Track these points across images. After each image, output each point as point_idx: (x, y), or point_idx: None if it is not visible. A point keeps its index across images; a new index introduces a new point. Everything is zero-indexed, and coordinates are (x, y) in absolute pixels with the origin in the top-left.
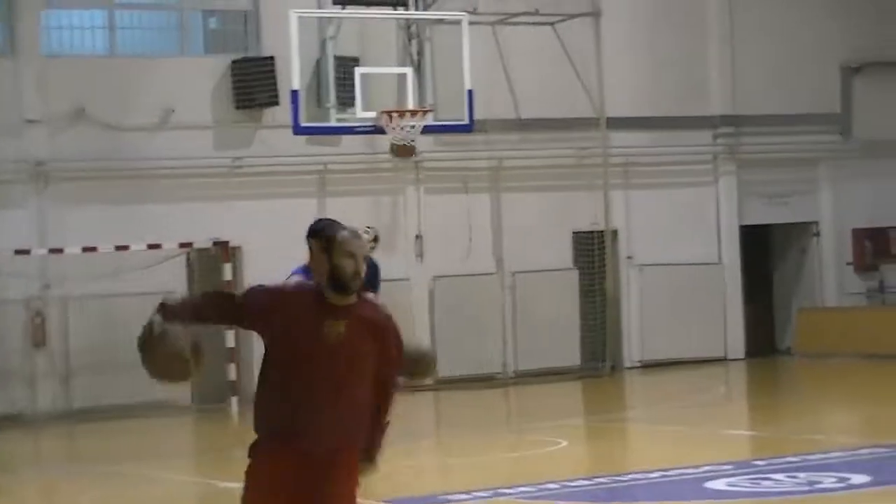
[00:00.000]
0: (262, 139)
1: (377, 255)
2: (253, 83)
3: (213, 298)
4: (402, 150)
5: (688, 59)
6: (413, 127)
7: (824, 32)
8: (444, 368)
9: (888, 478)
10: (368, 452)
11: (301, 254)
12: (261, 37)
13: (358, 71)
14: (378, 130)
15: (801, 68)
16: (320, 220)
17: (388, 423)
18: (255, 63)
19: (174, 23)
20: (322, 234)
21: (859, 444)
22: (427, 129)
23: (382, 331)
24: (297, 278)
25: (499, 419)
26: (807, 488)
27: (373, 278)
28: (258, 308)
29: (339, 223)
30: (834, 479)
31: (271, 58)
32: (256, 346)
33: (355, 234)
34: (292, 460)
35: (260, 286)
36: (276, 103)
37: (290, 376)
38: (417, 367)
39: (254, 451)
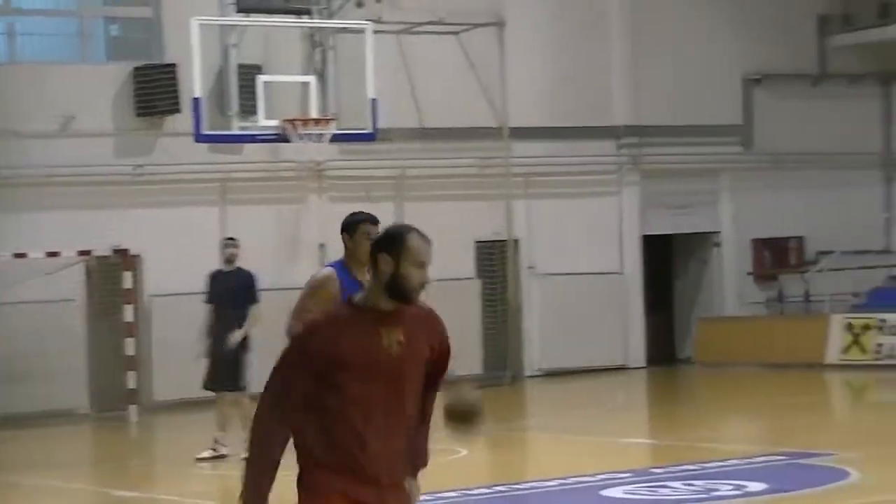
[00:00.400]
0: (163, 147)
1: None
2: (154, 91)
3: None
4: None
5: (591, 70)
6: (321, 135)
7: (726, 44)
8: None
9: (784, 485)
10: (415, 467)
11: (203, 261)
12: (163, 44)
13: (260, 79)
14: (281, 139)
15: (703, 80)
16: (358, 213)
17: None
18: (157, 70)
19: (75, 29)
20: (390, 236)
21: (756, 453)
22: (331, 139)
23: (433, 327)
24: (329, 271)
25: None
26: (704, 496)
27: (250, 289)
28: (323, 359)
29: (404, 224)
30: (731, 487)
31: (173, 65)
32: (157, 352)
33: (425, 239)
34: (364, 493)
35: (301, 339)
36: (178, 111)
37: (350, 399)
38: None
39: (312, 488)
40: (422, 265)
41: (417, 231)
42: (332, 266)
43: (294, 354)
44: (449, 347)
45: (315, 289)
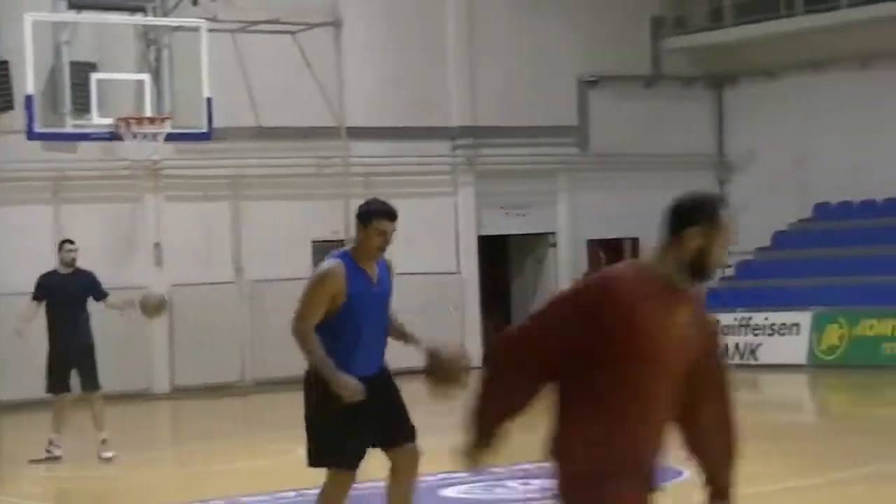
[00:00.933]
0: None
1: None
2: None
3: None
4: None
5: (427, 70)
6: (154, 136)
7: (561, 46)
8: (183, 377)
9: None
10: (721, 489)
11: (36, 261)
12: None
13: (94, 77)
14: (115, 137)
15: (539, 81)
16: (373, 202)
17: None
18: None
19: None
20: (701, 209)
21: None
22: (166, 137)
23: (704, 310)
24: (334, 262)
25: (237, 428)
26: (539, 495)
27: (96, 288)
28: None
29: (710, 194)
30: None
31: (5, 62)
32: None
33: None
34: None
35: (587, 293)
36: (11, 108)
37: (634, 392)
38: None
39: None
40: (727, 244)
41: (725, 202)
42: (338, 257)
43: (568, 307)
44: (717, 332)
45: (320, 281)
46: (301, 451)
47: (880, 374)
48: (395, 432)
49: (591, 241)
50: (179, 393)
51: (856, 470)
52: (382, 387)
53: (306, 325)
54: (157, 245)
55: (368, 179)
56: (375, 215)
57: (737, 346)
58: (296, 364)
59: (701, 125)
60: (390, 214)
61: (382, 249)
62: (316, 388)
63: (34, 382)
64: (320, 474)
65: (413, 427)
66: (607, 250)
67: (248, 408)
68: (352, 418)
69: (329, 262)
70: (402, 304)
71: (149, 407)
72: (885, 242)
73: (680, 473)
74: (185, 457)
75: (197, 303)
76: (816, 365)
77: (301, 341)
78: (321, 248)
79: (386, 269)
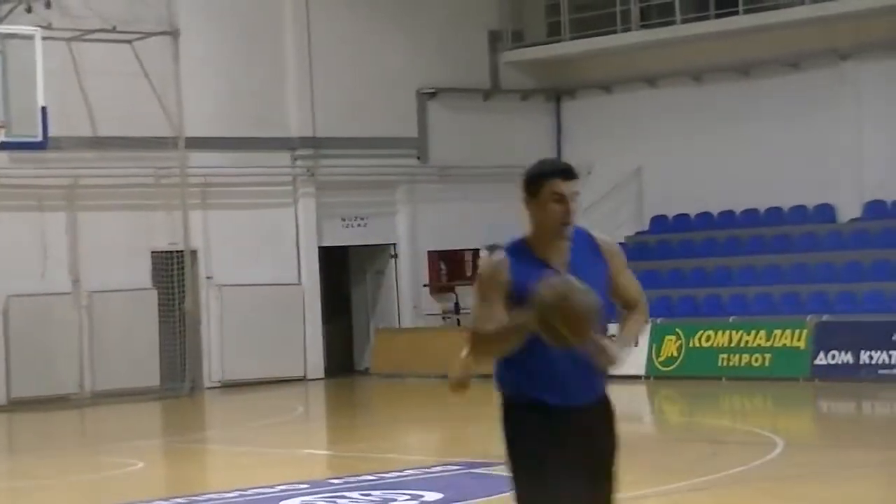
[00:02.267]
0: None
1: None
2: None
3: None
4: None
5: (267, 81)
6: None
7: (401, 58)
8: (18, 389)
9: (459, 494)
10: None
11: None
12: None
13: None
14: None
15: (379, 93)
16: (544, 162)
17: None
18: None
19: None
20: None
21: (433, 463)
22: (1, 146)
23: None
24: (496, 256)
25: (74, 440)
26: None
27: None
28: None
29: None
30: (407, 497)
31: None
32: None
33: None
34: None
35: None
36: None
37: None
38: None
39: None
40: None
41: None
42: (507, 246)
43: None
44: None
45: (481, 281)
46: (141, 464)
47: (717, 385)
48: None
49: (432, 252)
50: (15, 405)
51: (694, 479)
52: (598, 422)
53: (475, 337)
54: None
55: (207, 190)
56: (545, 177)
57: None
58: (135, 376)
59: (539, 137)
60: (566, 172)
61: (567, 223)
62: (508, 421)
63: None
64: (162, 486)
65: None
66: (447, 261)
67: (84, 420)
68: (554, 464)
69: (492, 255)
70: (244, 314)
71: None
72: (721, 254)
73: None
74: (19, 471)
75: (33, 314)
76: (655, 376)
77: (477, 352)
78: (160, 259)
79: (591, 248)
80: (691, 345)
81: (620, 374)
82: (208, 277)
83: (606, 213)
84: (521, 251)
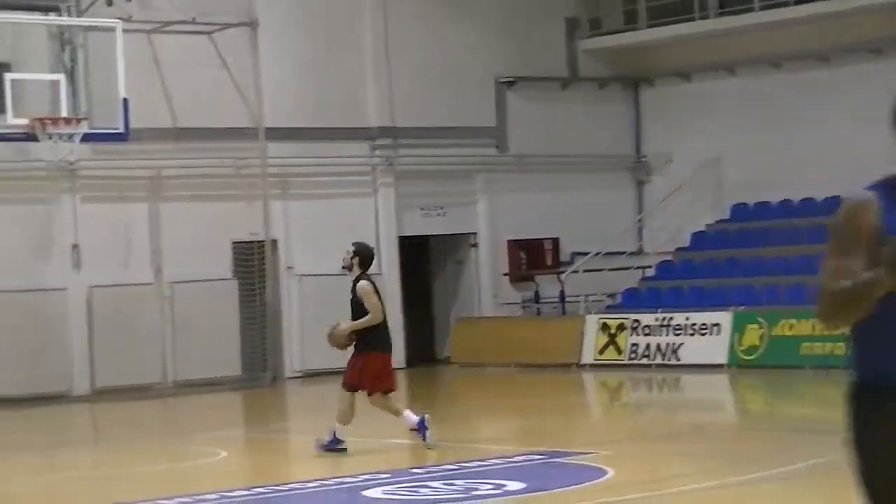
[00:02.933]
0: None
1: None
2: None
3: None
4: None
5: (346, 71)
6: (70, 136)
7: (479, 47)
8: (102, 379)
9: (542, 484)
10: None
11: None
12: None
13: (8, 77)
14: (31, 138)
15: (457, 82)
16: None
17: None
18: None
19: None
20: None
21: (515, 452)
22: (82, 138)
23: None
24: (863, 195)
25: (157, 430)
26: (463, 495)
27: None
28: None
29: None
30: (490, 486)
31: None
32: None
33: None
34: None
35: None
36: None
37: None
38: None
39: None
40: None
41: None
42: (878, 184)
43: None
44: None
45: (839, 226)
46: (224, 453)
47: (799, 374)
48: None
49: (511, 241)
50: (99, 395)
51: (773, 470)
52: None
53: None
54: (74, 247)
55: (286, 180)
56: None
57: (658, 346)
58: (217, 366)
59: (618, 126)
60: None
61: None
62: (860, 411)
63: None
64: (244, 476)
65: None
66: (527, 250)
67: (168, 410)
68: None
69: (857, 194)
70: (323, 303)
71: (69, 409)
72: (802, 242)
73: (602, 473)
74: (104, 459)
75: (116, 304)
76: (737, 365)
77: (826, 315)
78: (241, 250)
79: None
80: (773, 333)
81: (702, 364)
82: (289, 268)
83: (686, 202)
84: (892, 189)
